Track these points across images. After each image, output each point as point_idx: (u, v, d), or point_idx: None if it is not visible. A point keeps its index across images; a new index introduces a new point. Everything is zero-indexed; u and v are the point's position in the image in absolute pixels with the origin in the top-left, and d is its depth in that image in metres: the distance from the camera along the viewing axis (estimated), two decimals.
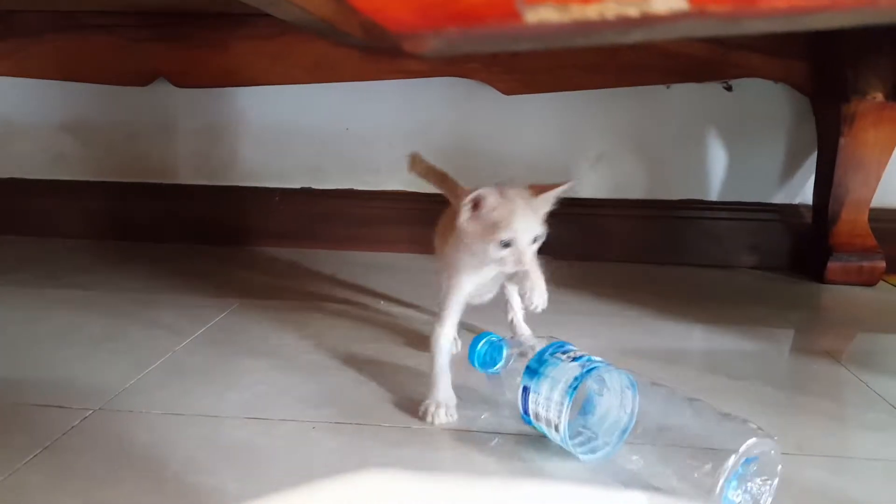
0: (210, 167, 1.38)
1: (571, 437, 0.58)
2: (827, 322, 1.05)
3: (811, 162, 1.23)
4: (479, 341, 0.68)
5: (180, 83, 1.30)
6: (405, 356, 0.82)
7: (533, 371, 0.61)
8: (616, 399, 0.58)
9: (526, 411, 0.61)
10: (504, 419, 0.66)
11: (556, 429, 0.58)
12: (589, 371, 0.58)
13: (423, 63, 1.22)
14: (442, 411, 0.65)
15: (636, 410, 0.56)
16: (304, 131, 1.34)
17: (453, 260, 0.69)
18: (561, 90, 1.23)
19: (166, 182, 1.39)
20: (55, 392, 0.70)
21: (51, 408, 0.67)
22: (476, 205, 0.64)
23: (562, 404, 0.58)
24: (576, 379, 0.58)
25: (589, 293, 1.08)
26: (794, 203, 1.26)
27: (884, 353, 0.90)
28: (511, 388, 0.63)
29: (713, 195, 1.27)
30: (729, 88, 1.23)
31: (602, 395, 0.59)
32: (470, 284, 0.69)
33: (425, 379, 0.68)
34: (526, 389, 0.60)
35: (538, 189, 0.68)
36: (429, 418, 0.65)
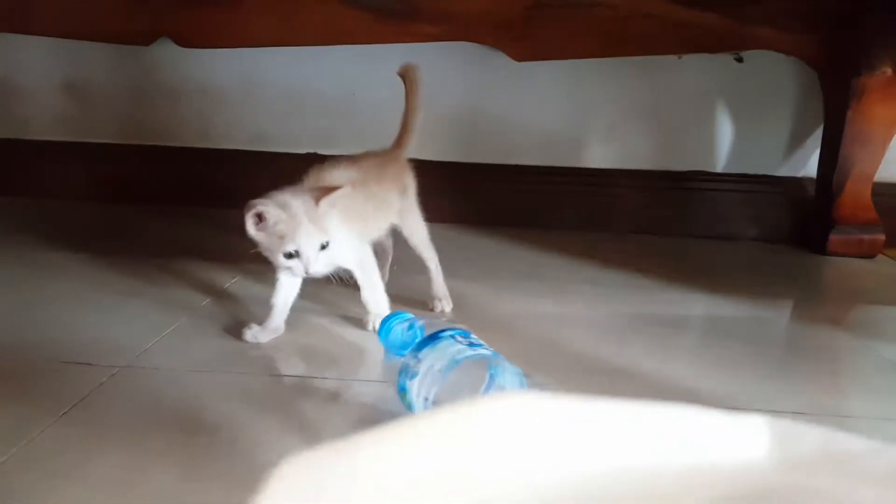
0: (215, 130, 1.37)
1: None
2: (828, 292, 1.08)
3: (816, 136, 1.25)
4: (386, 322, 0.70)
5: (185, 43, 1.27)
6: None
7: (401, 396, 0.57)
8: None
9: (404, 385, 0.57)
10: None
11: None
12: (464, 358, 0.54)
13: (436, 26, 1.20)
14: (251, 332, 0.73)
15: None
16: (312, 95, 1.33)
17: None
18: (573, 57, 1.22)
19: (170, 144, 1.37)
20: (80, 350, 0.70)
21: (79, 365, 0.67)
22: (259, 218, 0.69)
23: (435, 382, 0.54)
24: (454, 361, 0.54)
25: (597, 263, 1.10)
26: (797, 176, 1.28)
27: (885, 322, 0.93)
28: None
29: (719, 167, 1.29)
30: (740, 60, 1.23)
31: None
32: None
33: None
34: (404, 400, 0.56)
35: (320, 193, 0.72)
36: (244, 336, 0.73)
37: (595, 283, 1.01)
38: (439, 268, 0.89)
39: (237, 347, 0.72)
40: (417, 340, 0.58)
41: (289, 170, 1.37)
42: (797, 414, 0.62)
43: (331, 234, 0.71)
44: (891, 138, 1.16)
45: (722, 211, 1.28)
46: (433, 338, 0.57)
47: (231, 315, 0.82)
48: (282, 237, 0.69)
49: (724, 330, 0.86)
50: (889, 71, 1.12)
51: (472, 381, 0.57)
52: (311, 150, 1.35)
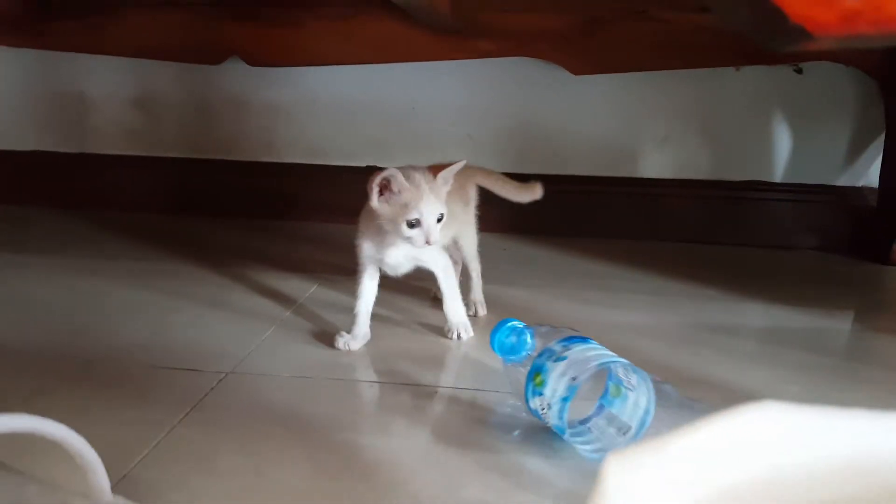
0: (278, 144, 1.42)
1: (576, 435, 0.57)
2: (892, 302, 1.08)
3: (876, 145, 1.25)
4: (503, 328, 0.66)
5: (254, 62, 1.33)
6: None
7: (533, 379, 0.58)
8: (632, 400, 0.56)
9: (530, 403, 0.59)
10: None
11: (563, 433, 0.56)
12: (577, 386, 0.55)
13: (493, 43, 1.24)
14: (343, 340, 0.77)
15: (650, 414, 0.54)
16: (371, 109, 1.37)
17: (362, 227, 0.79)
18: (630, 70, 1.24)
19: (235, 158, 1.43)
20: (181, 357, 0.75)
21: (186, 371, 0.72)
22: (383, 187, 0.71)
23: (561, 415, 0.55)
24: (571, 390, 0.54)
25: (657, 272, 1.11)
26: (857, 185, 1.28)
27: None
28: (514, 381, 0.61)
29: (777, 177, 1.29)
30: (799, 71, 1.24)
31: (622, 392, 0.57)
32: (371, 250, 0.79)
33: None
34: (532, 397, 0.58)
35: (436, 170, 0.74)
36: (336, 344, 0.77)
37: (658, 293, 1.02)
38: (480, 277, 0.93)
39: (331, 354, 0.76)
40: (556, 342, 0.59)
41: (349, 182, 1.42)
42: None
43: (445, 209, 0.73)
44: None
45: (780, 220, 1.28)
46: (568, 341, 0.59)
47: (316, 323, 0.86)
48: (405, 205, 0.70)
49: (783, 338, 0.87)
50: None
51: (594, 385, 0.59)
52: (371, 163, 1.39)
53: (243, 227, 1.35)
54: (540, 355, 0.59)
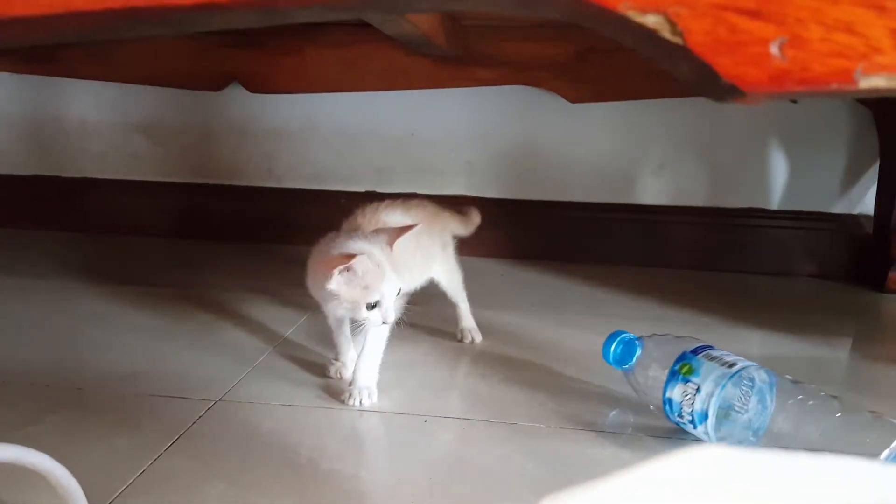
0: (278, 169, 1.43)
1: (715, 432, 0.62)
2: (888, 330, 1.07)
3: (871, 173, 1.25)
4: (613, 340, 0.72)
5: (254, 89, 1.35)
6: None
7: (680, 369, 0.65)
8: (757, 398, 0.62)
9: (670, 406, 0.65)
10: (635, 414, 0.71)
11: (701, 422, 0.63)
12: (739, 371, 0.62)
13: (491, 71, 1.25)
14: (333, 368, 0.76)
15: (772, 411, 0.60)
16: (370, 136, 1.39)
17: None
18: (626, 98, 1.26)
19: (236, 183, 1.44)
20: (172, 384, 0.75)
21: (174, 399, 0.72)
22: (347, 270, 0.66)
23: (710, 399, 0.62)
24: (728, 377, 0.62)
25: (652, 299, 1.11)
26: (853, 213, 1.28)
27: None
28: (642, 385, 0.69)
29: (774, 204, 1.29)
30: (795, 101, 1.25)
31: (748, 395, 0.62)
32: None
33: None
34: (673, 386, 0.65)
35: (392, 236, 0.71)
36: (328, 372, 0.76)
37: (656, 320, 1.02)
38: (468, 306, 0.91)
39: (322, 383, 0.76)
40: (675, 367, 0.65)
41: (348, 207, 1.43)
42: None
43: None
44: None
45: (777, 247, 1.28)
46: (697, 351, 0.65)
47: (309, 350, 0.86)
48: (366, 288, 0.66)
49: (788, 367, 0.85)
50: None
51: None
52: (370, 189, 1.40)
53: (243, 252, 1.36)
54: (683, 355, 0.65)
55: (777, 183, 1.29)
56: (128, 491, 0.54)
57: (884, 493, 0.20)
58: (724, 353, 0.65)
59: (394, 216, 0.80)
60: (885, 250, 1.19)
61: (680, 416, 0.64)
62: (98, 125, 1.47)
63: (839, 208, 1.28)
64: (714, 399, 0.61)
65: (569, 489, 0.20)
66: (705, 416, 0.62)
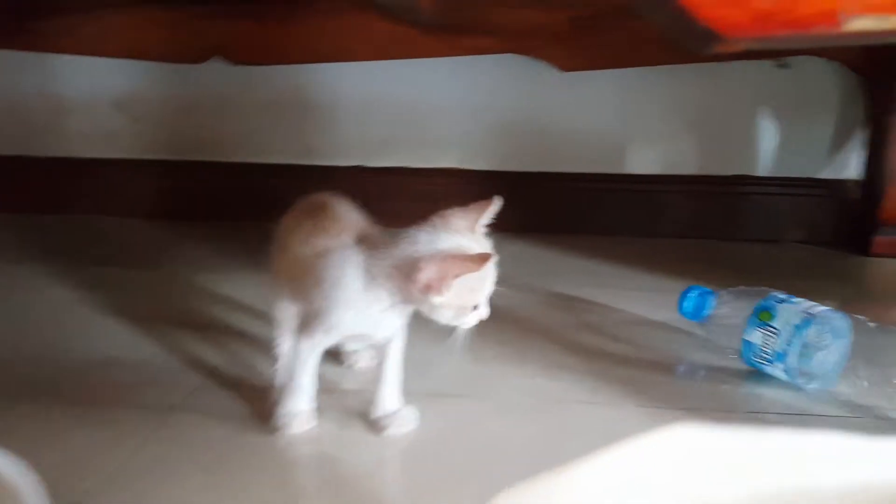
0: (264, 144, 1.39)
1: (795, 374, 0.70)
2: (874, 293, 1.10)
3: (859, 139, 1.27)
4: (689, 293, 0.82)
5: (237, 60, 1.30)
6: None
7: (759, 316, 0.72)
8: (834, 338, 0.69)
9: (750, 348, 0.72)
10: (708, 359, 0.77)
11: (780, 360, 0.70)
12: (815, 315, 0.69)
13: (483, 40, 1.23)
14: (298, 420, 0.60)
15: (845, 350, 0.68)
16: (360, 108, 1.36)
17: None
18: (619, 66, 1.24)
19: (220, 160, 1.40)
20: (150, 371, 0.73)
21: (152, 386, 0.70)
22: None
23: (791, 339, 0.69)
24: (805, 320, 0.69)
25: (648, 268, 1.12)
26: (841, 178, 1.30)
27: None
28: (719, 334, 0.78)
29: (763, 171, 1.31)
30: (785, 66, 1.25)
31: (825, 336, 0.69)
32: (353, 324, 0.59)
33: None
34: (752, 330, 0.72)
35: (470, 219, 0.60)
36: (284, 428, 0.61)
37: (650, 290, 1.03)
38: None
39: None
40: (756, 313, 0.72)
41: (340, 181, 1.41)
42: (844, 418, 0.65)
43: None
44: None
45: (767, 214, 1.30)
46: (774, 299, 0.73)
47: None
48: (472, 289, 0.56)
49: None
50: None
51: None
52: (359, 163, 1.38)
53: (228, 231, 1.33)
54: (763, 302, 0.73)
55: (766, 150, 1.30)
56: (103, 483, 0.53)
57: (858, 469, 0.20)
58: (800, 300, 0.73)
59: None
60: (872, 214, 1.21)
61: (758, 356, 0.71)
62: (74, 102, 1.41)
63: (827, 174, 1.30)
64: (795, 340, 0.68)
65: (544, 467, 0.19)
66: (785, 356, 0.69)
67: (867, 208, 1.23)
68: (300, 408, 0.61)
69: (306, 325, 0.60)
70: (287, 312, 0.68)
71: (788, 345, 0.69)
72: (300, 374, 0.61)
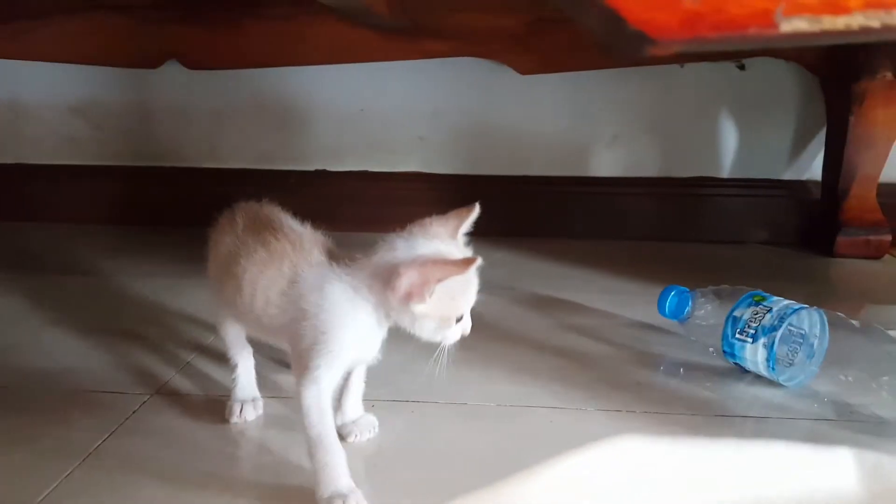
0: (223, 150, 1.37)
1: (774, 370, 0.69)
2: (838, 293, 1.09)
3: (819, 139, 1.26)
4: (669, 293, 0.82)
5: (192, 65, 1.28)
6: None
7: (753, 297, 0.73)
8: (820, 329, 0.69)
9: (731, 349, 0.72)
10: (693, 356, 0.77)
11: (765, 334, 0.69)
12: (802, 307, 0.70)
13: (441, 43, 1.22)
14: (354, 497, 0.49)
15: (826, 344, 0.68)
16: (318, 112, 1.34)
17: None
18: (575, 69, 1.24)
19: (178, 165, 1.38)
20: (104, 379, 0.71)
21: (106, 394, 0.68)
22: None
23: (782, 315, 0.69)
24: (793, 308, 0.70)
25: (610, 271, 1.11)
26: (802, 179, 1.29)
27: (894, 320, 0.94)
28: (699, 332, 0.78)
29: (725, 172, 1.30)
30: (742, 67, 1.25)
31: (814, 324, 0.69)
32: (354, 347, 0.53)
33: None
34: (744, 308, 0.72)
35: (450, 226, 0.55)
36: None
37: (610, 292, 1.02)
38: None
39: (264, 370, 0.73)
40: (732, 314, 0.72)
41: (296, 187, 1.38)
42: (820, 420, 0.63)
43: None
44: (893, 141, 1.18)
45: (729, 215, 1.29)
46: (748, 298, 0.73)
47: (253, 339, 0.82)
48: (453, 298, 0.52)
49: None
50: (889, 75, 1.13)
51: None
52: (319, 167, 1.36)
53: (186, 238, 1.30)
54: (748, 295, 0.73)
55: (727, 152, 1.30)
56: (51, 496, 0.51)
57: (804, 481, 0.19)
58: (780, 298, 0.73)
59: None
60: (834, 215, 1.21)
61: (742, 332, 0.71)
62: (31, 107, 1.39)
63: (788, 175, 1.30)
64: (784, 319, 0.68)
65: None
66: (772, 329, 0.69)
67: (829, 209, 1.22)
68: (347, 484, 0.49)
69: (303, 368, 0.51)
70: (234, 329, 0.64)
71: (780, 320, 0.68)
72: (324, 436, 0.50)
